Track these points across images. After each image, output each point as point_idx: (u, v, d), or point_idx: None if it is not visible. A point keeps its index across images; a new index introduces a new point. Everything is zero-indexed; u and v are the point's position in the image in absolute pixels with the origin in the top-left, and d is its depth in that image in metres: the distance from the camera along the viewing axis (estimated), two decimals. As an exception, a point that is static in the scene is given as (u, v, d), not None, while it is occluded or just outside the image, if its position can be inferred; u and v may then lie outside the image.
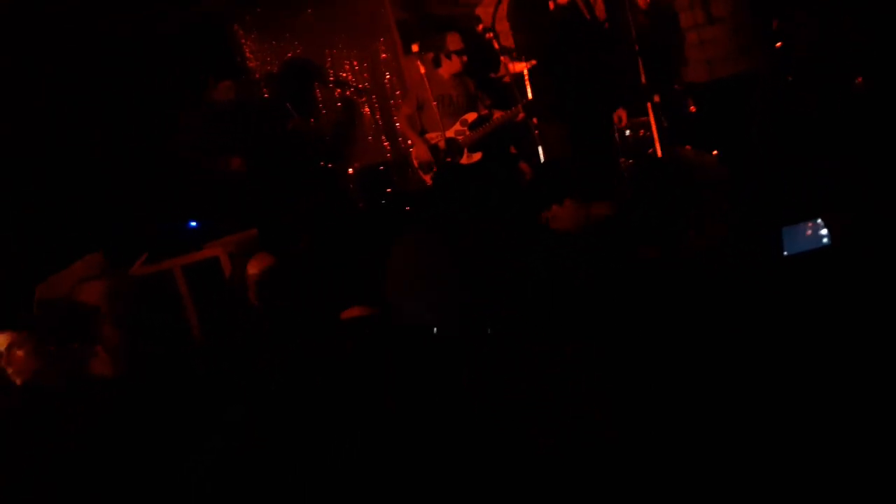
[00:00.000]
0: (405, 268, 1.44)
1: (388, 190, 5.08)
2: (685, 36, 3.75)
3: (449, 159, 4.80)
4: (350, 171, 5.05)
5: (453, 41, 4.76)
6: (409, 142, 5.12)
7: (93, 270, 2.33)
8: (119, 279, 2.60)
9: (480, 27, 4.17)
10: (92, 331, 2.28)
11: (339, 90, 5.68)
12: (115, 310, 2.50)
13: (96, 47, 4.75)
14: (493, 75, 5.35)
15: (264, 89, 5.50)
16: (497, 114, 4.83)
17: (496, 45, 4.11)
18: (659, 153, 3.81)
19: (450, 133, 4.80)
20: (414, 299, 1.38)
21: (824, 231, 2.20)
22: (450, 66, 4.80)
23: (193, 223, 4.70)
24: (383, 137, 5.72)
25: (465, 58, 4.74)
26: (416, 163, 5.00)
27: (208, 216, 4.70)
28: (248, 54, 5.61)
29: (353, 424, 1.69)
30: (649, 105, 3.74)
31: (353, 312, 2.15)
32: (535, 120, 4.09)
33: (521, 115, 4.55)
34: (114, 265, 2.80)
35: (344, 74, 5.69)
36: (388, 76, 5.72)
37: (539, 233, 2.88)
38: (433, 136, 4.93)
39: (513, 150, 5.37)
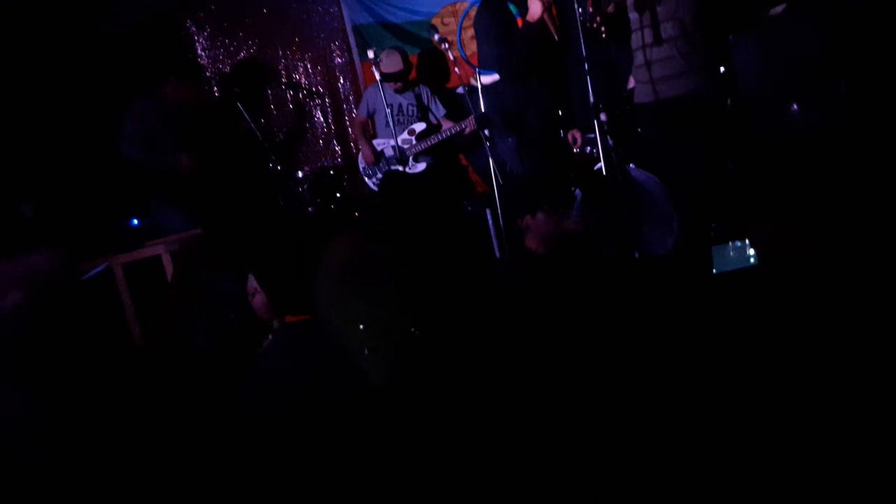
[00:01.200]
0: (334, 274, 1.46)
1: (338, 195, 5.08)
2: (633, 56, 3.85)
3: (395, 167, 4.86)
4: (300, 174, 5.03)
5: (387, 62, 4.77)
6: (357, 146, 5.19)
7: (52, 265, 2.26)
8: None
9: (436, 37, 4.20)
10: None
11: (291, 92, 5.65)
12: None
13: (45, 40, 4.63)
14: (446, 86, 5.43)
15: (215, 88, 5.45)
16: (445, 125, 4.92)
17: (450, 58, 4.15)
18: (604, 171, 3.90)
19: (397, 142, 4.87)
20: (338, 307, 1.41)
21: (751, 251, 2.30)
22: (389, 84, 4.85)
23: (135, 221, 4.62)
24: (335, 142, 5.72)
25: (398, 82, 4.81)
26: (360, 166, 5.08)
27: (153, 214, 4.63)
28: (199, 52, 5.54)
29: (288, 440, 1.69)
30: (596, 123, 3.83)
31: (295, 318, 2.16)
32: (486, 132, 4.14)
33: (469, 129, 4.64)
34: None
35: (297, 77, 5.67)
36: (341, 80, 5.72)
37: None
38: (380, 143, 5.01)
39: (463, 160, 5.45)
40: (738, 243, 2.35)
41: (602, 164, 3.92)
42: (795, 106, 4.08)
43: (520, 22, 3.89)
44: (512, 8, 3.94)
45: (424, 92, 5.10)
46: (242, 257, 3.94)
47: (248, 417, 1.98)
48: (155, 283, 3.83)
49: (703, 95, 3.71)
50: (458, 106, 5.27)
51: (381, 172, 5.05)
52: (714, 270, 2.38)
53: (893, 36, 3.67)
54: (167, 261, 3.81)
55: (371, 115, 5.11)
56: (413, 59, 5.21)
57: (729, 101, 4.03)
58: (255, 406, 2.00)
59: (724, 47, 4.04)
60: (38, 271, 2.14)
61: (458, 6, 5.47)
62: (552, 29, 3.82)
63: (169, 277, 3.79)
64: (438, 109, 5.10)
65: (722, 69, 3.97)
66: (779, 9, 4.04)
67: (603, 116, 3.83)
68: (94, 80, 4.72)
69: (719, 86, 3.89)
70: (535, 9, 3.73)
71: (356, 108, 5.44)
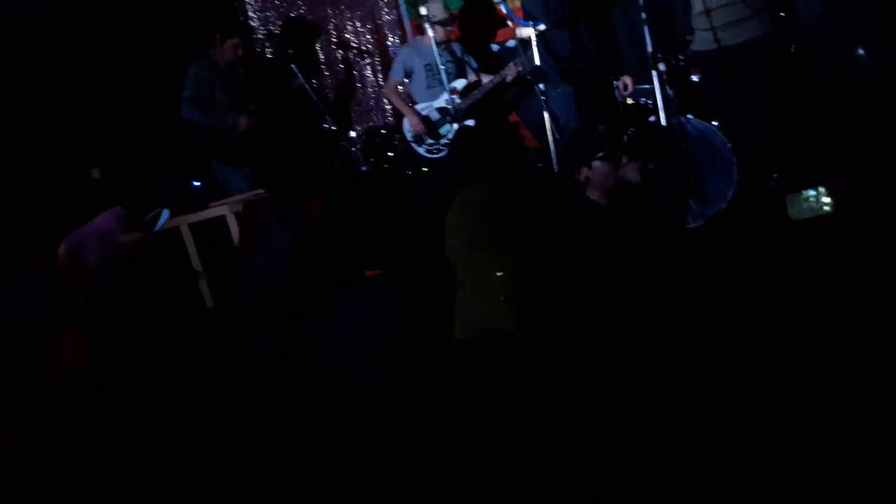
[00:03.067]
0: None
1: (390, 153, 5.11)
2: (690, 4, 3.76)
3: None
4: (353, 133, 5.07)
5: (434, 9, 4.75)
6: (400, 112, 5.12)
7: (118, 225, 2.36)
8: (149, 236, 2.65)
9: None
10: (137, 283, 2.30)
11: (341, 51, 5.67)
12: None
13: (100, 7, 4.71)
14: (491, 41, 5.37)
15: (268, 50, 5.49)
16: (485, 78, 4.87)
17: (502, 11, 4.11)
18: (664, 121, 3.85)
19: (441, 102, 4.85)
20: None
21: (827, 199, 2.27)
22: (433, 35, 4.80)
23: (196, 182, 4.73)
24: (385, 100, 5.72)
25: (449, 27, 4.76)
26: (408, 135, 5.02)
27: (215, 175, 4.74)
28: (251, 14, 5.57)
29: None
30: (654, 74, 3.76)
31: (371, 272, 2.22)
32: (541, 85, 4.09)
33: (510, 77, 4.60)
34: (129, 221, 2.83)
35: (347, 35, 5.67)
36: (390, 37, 5.70)
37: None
38: (423, 107, 4.95)
39: (514, 117, 5.41)
40: (813, 191, 2.32)
41: (658, 115, 3.87)
42: (861, 50, 3.95)
43: None
44: None
45: (458, 48, 5.06)
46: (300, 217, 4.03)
47: (325, 372, 2.05)
48: (220, 241, 3.95)
49: (766, 41, 3.62)
50: (497, 61, 5.21)
51: (430, 138, 4.97)
52: (791, 217, 2.36)
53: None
54: (231, 220, 3.92)
55: (408, 75, 5.03)
56: (454, 14, 5.15)
57: (792, 46, 3.92)
58: (331, 361, 2.06)
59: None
60: (106, 230, 2.24)
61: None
62: None
63: (233, 236, 3.90)
64: (472, 65, 5.05)
65: (783, 14, 3.86)
66: (844, -52, 3.88)
67: (662, 66, 3.77)
68: (152, 46, 4.80)
69: (781, 31, 3.79)
70: None
71: (390, 73, 5.27)
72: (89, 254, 2.23)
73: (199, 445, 1.85)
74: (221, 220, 3.98)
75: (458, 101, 4.88)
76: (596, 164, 3.01)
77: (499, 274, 1.43)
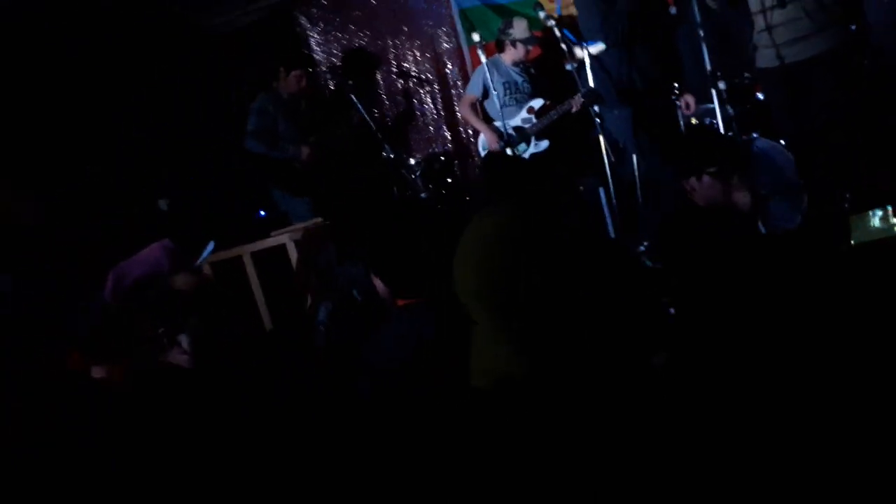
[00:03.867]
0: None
1: (449, 180, 5.13)
2: (753, 20, 3.65)
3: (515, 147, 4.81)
4: (412, 161, 5.12)
5: (519, 28, 4.78)
6: (473, 130, 5.14)
7: (164, 258, 2.44)
8: (200, 269, 2.71)
9: (542, 15, 4.14)
10: (182, 318, 2.35)
11: (401, 81, 5.76)
12: (202, 298, 2.62)
13: (166, 40, 4.93)
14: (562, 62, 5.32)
15: (330, 81, 5.63)
16: (558, 104, 4.84)
17: (558, 33, 4.07)
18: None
19: (516, 121, 4.83)
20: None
21: (894, 219, 2.14)
22: (513, 54, 4.83)
23: (262, 213, 4.87)
24: (444, 127, 5.77)
25: (531, 46, 4.77)
26: (483, 152, 5.03)
27: (278, 205, 4.87)
28: (313, 46, 5.73)
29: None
30: (714, 92, 3.66)
31: (405, 301, 2.19)
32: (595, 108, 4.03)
33: (575, 109, 4.56)
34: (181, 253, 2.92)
35: (406, 65, 5.76)
36: (449, 66, 5.76)
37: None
38: (500, 125, 4.95)
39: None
40: (880, 211, 2.19)
41: (722, 133, 3.76)
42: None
43: None
44: None
45: (533, 69, 5.05)
46: (362, 243, 4.07)
47: (359, 398, 2.05)
48: (281, 270, 4.03)
49: (835, 56, 3.47)
50: (564, 84, 5.16)
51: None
52: (853, 241, 2.23)
53: None
54: (291, 249, 4.00)
55: (485, 93, 5.02)
56: (537, 34, 5.13)
57: (865, 60, 3.74)
58: (366, 388, 2.06)
59: (856, 2, 3.76)
60: (152, 262, 2.30)
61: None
62: None
63: (293, 264, 3.97)
64: (549, 84, 5.03)
65: (853, 27, 3.69)
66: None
67: (721, 84, 3.66)
68: (219, 79, 5.00)
69: (852, 44, 3.62)
70: None
71: (466, 90, 5.37)
72: (129, 285, 2.30)
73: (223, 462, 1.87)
74: (282, 248, 4.06)
75: (534, 120, 4.86)
76: (706, 178, 2.87)
77: (513, 312, 1.35)
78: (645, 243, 3.99)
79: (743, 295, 2.14)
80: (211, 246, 3.64)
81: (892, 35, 3.85)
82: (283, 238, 4.03)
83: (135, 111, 4.76)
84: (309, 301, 3.92)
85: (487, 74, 4.92)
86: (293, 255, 3.98)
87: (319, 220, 4.33)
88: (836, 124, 3.45)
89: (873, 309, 1.81)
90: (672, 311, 2.44)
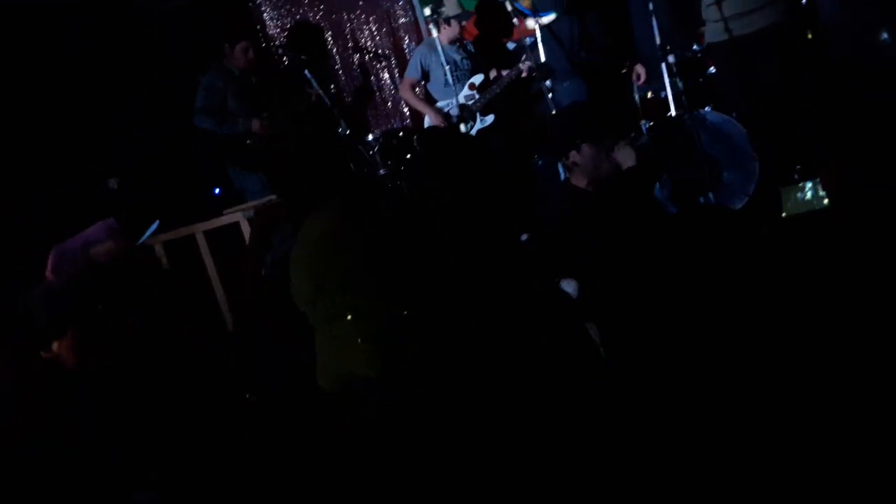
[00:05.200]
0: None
1: (409, 156, 5.10)
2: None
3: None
4: (370, 137, 5.07)
5: (450, 6, 4.76)
6: (418, 110, 5.14)
7: (105, 236, 2.39)
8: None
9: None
10: (123, 295, 2.30)
11: (357, 55, 5.69)
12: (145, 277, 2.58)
13: (114, 14, 4.81)
14: (503, 40, 5.35)
15: (283, 57, 5.54)
16: (502, 73, 4.84)
17: (510, 6, 4.06)
18: (673, 114, 3.77)
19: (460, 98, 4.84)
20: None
21: (823, 192, 2.18)
22: (448, 32, 4.80)
23: (217, 190, 4.80)
24: (403, 102, 5.72)
25: (469, 22, 4.75)
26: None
27: (232, 182, 4.80)
28: (266, 21, 5.63)
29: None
30: (663, 66, 3.69)
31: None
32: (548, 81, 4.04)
33: (526, 72, 4.56)
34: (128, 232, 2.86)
35: (363, 39, 5.69)
36: (406, 39, 5.70)
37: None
38: (444, 104, 4.96)
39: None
40: (810, 184, 2.22)
41: (672, 108, 3.79)
42: (885, 34, 3.81)
43: None
44: None
45: (472, 46, 5.07)
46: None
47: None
48: (235, 248, 3.99)
49: (781, 29, 3.51)
50: (512, 57, 5.18)
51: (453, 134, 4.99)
52: (784, 213, 2.26)
53: None
54: (245, 227, 3.95)
55: (425, 75, 5.05)
56: (456, 12, 5.15)
57: (809, 32, 3.79)
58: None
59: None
60: (94, 243, 2.26)
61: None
62: None
63: (246, 242, 3.93)
64: (488, 60, 5.05)
65: (803, 1, 3.74)
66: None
67: (671, 58, 3.69)
68: (167, 55, 4.89)
69: (799, 17, 3.67)
70: None
71: (406, 73, 5.26)
72: (68, 263, 2.26)
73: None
74: (236, 226, 4.01)
75: (477, 96, 4.87)
76: (584, 147, 2.75)
77: (349, 317, 1.31)
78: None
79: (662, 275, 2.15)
80: (154, 225, 3.59)
81: (838, 9, 3.90)
82: (236, 216, 3.97)
83: (84, 89, 4.64)
84: (260, 276, 3.89)
85: (424, 56, 4.93)
86: (247, 233, 3.94)
87: (274, 197, 4.27)
88: (781, 97, 3.50)
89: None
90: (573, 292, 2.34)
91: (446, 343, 1.31)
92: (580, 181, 2.76)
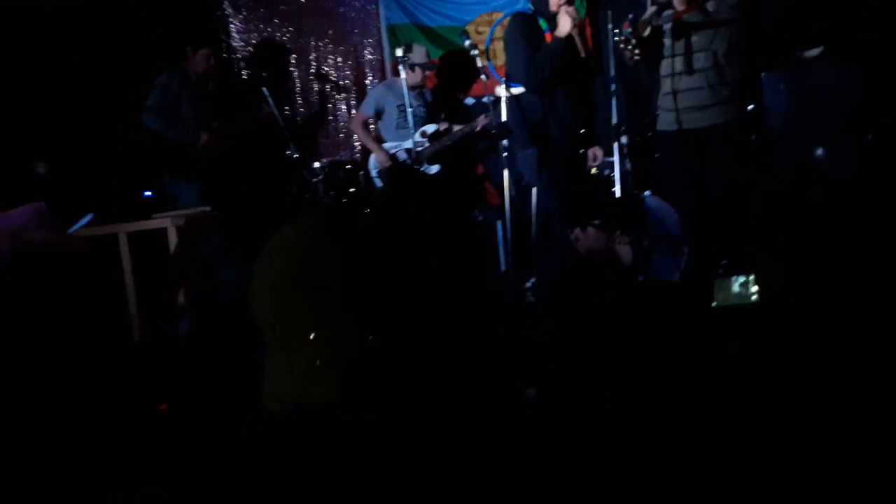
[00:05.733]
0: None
1: (352, 189, 5.07)
2: (661, 83, 3.81)
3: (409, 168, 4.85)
4: (317, 164, 5.03)
5: (418, 53, 4.85)
6: (366, 147, 5.17)
7: (33, 221, 2.25)
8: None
9: (468, 44, 4.18)
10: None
11: (318, 83, 5.67)
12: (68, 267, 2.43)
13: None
14: (467, 94, 5.46)
15: (244, 70, 5.47)
16: (455, 127, 4.93)
17: (478, 65, 4.12)
18: (619, 194, 3.86)
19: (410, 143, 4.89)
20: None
21: (754, 288, 2.25)
22: (411, 78, 4.85)
23: (148, 192, 4.64)
24: (356, 136, 5.71)
25: (432, 72, 4.84)
26: (373, 171, 5.06)
27: (167, 187, 4.65)
28: (233, 33, 5.56)
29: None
30: (616, 146, 3.78)
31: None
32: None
33: (480, 128, 4.65)
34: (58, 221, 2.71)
35: (326, 68, 5.68)
36: (370, 76, 5.72)
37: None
38: (391, 146, 5.00)
39: (480, 169, 5.42)
40: (742, 278, 2.30)
41: (618, 188, 3.89)
42: (820, 150, 4.02)
43: (548, 37, 3.86)
44: (542, 23, 3.89)
45: (432, 96, 5.15)
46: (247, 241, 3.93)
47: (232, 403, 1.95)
48: (158, 255, 3.83)
49: (728, 129, 3.66)
50: (469, 114, 5.29)
51: (394, 176, 5.01)
52: (714, 303, 2.33)
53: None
54: (172, 234, 3.81)
55: (378, 114, 5.09)
56: (434, 62, 5.24)
57: (754, 137, 3.97)
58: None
59: (755, 84, 3.99)
60: (19, 226, 2.13)
61: (493, 15, 5.47)
62: (580, 46, 3.80)
63: (171, 251, 3.78)
64: (443, 112, 5.15)
65: (750, 106, 3.92)
66: (814, 52, 3.98)
67: (624, 139, 3.79)
68: (126, 46, 4.76)
69: (746, 122, 3.84)
70: (565, 24, 3.71)
71: (360, 107, 5.33)
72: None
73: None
74: (163, 232, 3.87)
75: (427, 144, 4.92)
76: (590, 229, 3.02)
77: (311, 337, 1.28)
78: (532, 280, 4.06)
79: (612, 339, 2.19)
80: (88, 217, 3.42)
81: (783, 118, 4.10)
82: (165, 222, 3.83)
83: (26, 68, 4.46)
84: (180, 297, 3.74)
85: (382, 96, 4.99)
86: (173, 241, 3.80)
87: (208, 209, 4.15)
88: (721, 192, 3.63)
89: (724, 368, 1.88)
90: (544, 346, 2.47)
91: (405, 369, 1.28)
92: (582, 251, 2.93)
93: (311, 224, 1.37)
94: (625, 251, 3.03)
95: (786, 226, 3.07)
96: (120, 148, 4.68)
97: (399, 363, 1.30)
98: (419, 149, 4.91)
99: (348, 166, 5.18)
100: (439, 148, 4.90)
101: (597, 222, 3.00)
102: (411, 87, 4.90)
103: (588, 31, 5.31)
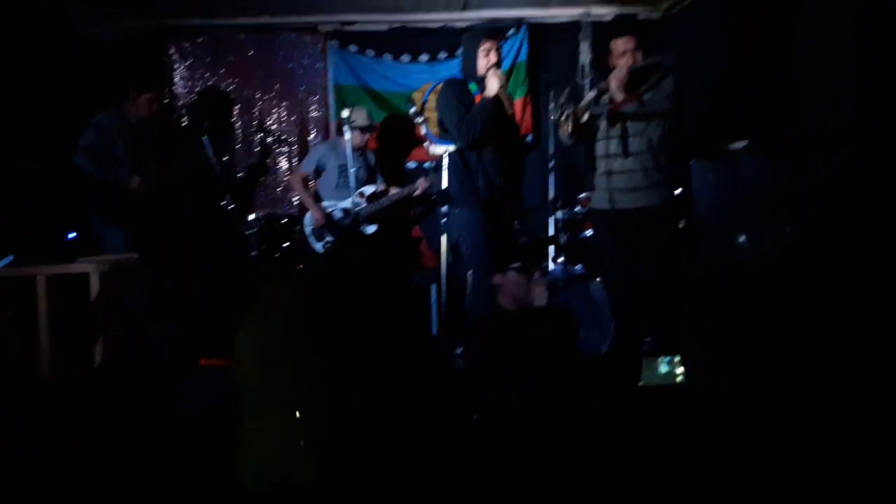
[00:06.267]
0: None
1: (285, 244, 5.02)
2: (596, 163, 3.95)
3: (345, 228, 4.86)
4: (252, 216, 4.96)
5: (359, 116, 4.93)
6: (303, 203, 5.17)
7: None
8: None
9: (412, 111, 4.26)
10: None
11: (260, 135, 5.65)
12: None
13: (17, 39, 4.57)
14: (406, 158, 5.55)
15: (185, 118, 5.41)
16: (394, 190, 5.00)
17: (420, 132, 4.20)
18: (552, 266, 3.94)
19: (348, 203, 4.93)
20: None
21: (680, 369, 2.30)
22: (353, 139, 4.92)
23: (73, 234, 4.47)
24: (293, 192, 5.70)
25: (374, 134, 4.94)
26: (307, 228, 5.06)
27: (94, 231, 4.50)
28: (177, 80, 5.52)
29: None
30: (551, 220, 3.87)
31: (210, 361, 2.06)
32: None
33: (418, 192, 4.74)
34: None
35: (269, 122, 5.67)
36: (313, 133, 5.74)
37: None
38: (328, 205, 5.02)
39: (418, 231, 5.46)
40: (668, 359, 2.36)
41: (551, 258, 3.97)
42: (743, 237, 4.21)
43: (478, 98, 4.03)
44: (472, 86, 4.10)
45: (373, 158, 5.22)
46: (175, 289, 3.82)
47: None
48: (78, 302, 3.67)
49: (658, 212, 3.80)
50: (408, 178, 5.39)
51: (329, 235, 5.02)
52: (641, 382, 2.37)
53: (843, 189, 3.84)
54: (95, 281, 3.67)
55: (318, 172, 5.12)
56: (376, 125, 5.33)
57: (682, 222, 4.13)
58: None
59: (685, 170, 4.18)
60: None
61: (439, 86, 5.61)
62: (507, 105, 3.99)
63: (93, 299, 3.64)
64: (383, 175, 5.23)
65: (679, 191, 4.09)
66: (740, 144, 4.21)
67: (559, 214, 3.89)
68: (64, 83, 4.66)
69: (675, 206, 3.99)
70: (492, 85, 3.92)
71: (301, 164, 5.36)
72: None
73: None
74: (85, 278, 3.72)
75: (364, 205, 4.96)
76: (510, 273, 3.12)
77: (298, 414, 1.24)
78: (461, 347, 4.05)
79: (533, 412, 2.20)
80: (9, 259, 3.27)
81: (709, 205, 4.29)
82: (88, 266, 3.70)
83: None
84: (101, 346, 3.59)
85: (323, 154, 5.03)
86: (95, 288, 3.65)
87: (135, 256, 4.03)
88: (648, 273, 3.74)
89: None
90: (476, 417, 2.46)
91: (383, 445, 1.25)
92: (503, 300, 2.99)
93: (302, 288, 1.35)
94: (540, 293, 3.14)
95: (712, 311, 3.18)
96: (47, 186, 4.52)
97: (368, 434, 1.28)
98: (357, 208, 4.94)
99: (284, 220, 5.14)
100: (377, 209, 4.95)
101: (516, 265, 3.14)
102: (354, 148, 4.96)
103: (529, 110, 5.52)
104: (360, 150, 5.08)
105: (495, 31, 4.14)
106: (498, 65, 4.02)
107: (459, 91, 4.08)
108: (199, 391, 1.91)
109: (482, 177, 4.02)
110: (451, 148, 4.02)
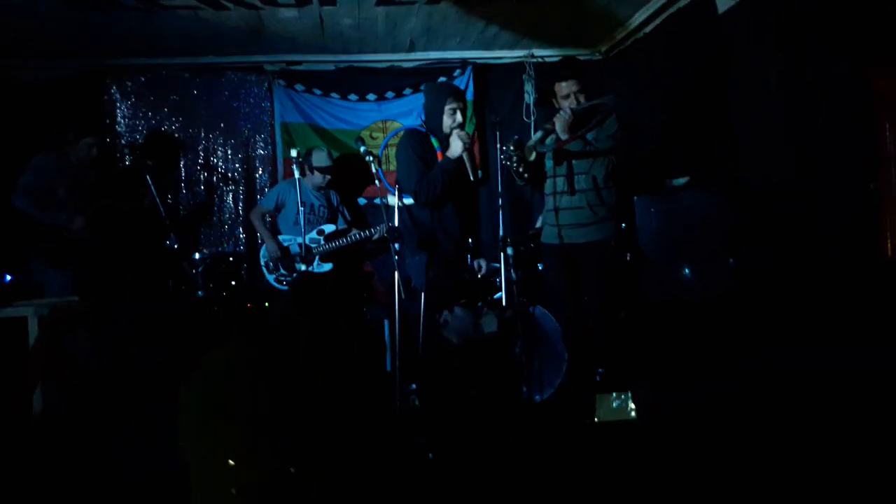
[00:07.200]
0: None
1: (233, 282, 4.93)
2: (545, 200, 4.04)
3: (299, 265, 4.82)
4: (197, 255, 4.87)
5: (318, 158, 4.92)
6: (259, 238, 5.13)
7: None
8: None
9: (363, 150, 4.26)
10: None
11: (206, 174, 5.58)
12: None
13: None
14: (359, 195, 5.55)
15: (127, 157, 5.30)
16: (353, 230, 4.99)
17: (372, 171, 4.19)
18: (504, 302, 3.97)
19: (305, 240, 4.89)
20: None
21: (632, 404, 2.35)
22: (311, 179, 4.94)
23: (9, 277, 4.30)
24: (241, 228, 5.62)
25: (327, 176, 4.94)
26: (262, 259, 5.00)
27: (33, 274, 4.33)
28: (119, 118, 5.42)
29: None
30: (502, 256, 3.91)
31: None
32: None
33: (378, 237, 4.74)
34: None
35: (214, 160, 5.61)
36: (260, 171, 5.69)
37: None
38: (286, 239, 4.99)
39: (368, 268, 5.45)
40: (621, 395, 2.40)
41: (503, 293, 3.99)
42: (687, 270, 4.33)
43: (440, 155, 3.99)
44: (434, 141, 4.01)
45: (335, 197, 5.20)
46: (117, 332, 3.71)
47: None
48: (13, 348, 3.52)
49: (605, 247, 3.90)
50: (364, 216, 5.39)
51: (283, 269, 4.98)
52: (596, 418, 2.40)
53: (784, 222, 4.01)
54: (33, 325, 3.53)
55: (279, 209, 5.08)
56: (324, 165, 5.33)
57: (628, 255, 4.24)
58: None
59: (629, 206, 4.29)
60: None
61: (387, 124, 5.65)
62: (469, 167, 3.94)
63: (31, 344, 3.49)
64: (346, 215, 5.21)
65: (624, 225, 4.20)
66: (681, 180, 4.36)
67: (510, 250, 3.93)
68: (5, 125, 4.53)
69: (620, 240, 4.10)
70: (456, 147, 3.84)
71: (261, 199, 5.36)
72: None
73: None
74: (22, 322, 3.57)
75: (322, 242, 4.93)
76: (456, 309, 3.11)
77: (231, 462, 1.22)
78: (415, 383, 4.03)
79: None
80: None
81: (653, 239, 4.41)
82: (26, 310, 3.55)
83: None
84: (41, 393, 3.44)
85: (284, 191, 5.02)
86: (34, 332, 3.51)
87: (76, 299, 3.89)
88: (598, 305, 3.82)
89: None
90: (431, 455, 2.45)
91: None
92: (451, 335, 2.98)
93: (249, 344, 1.32)
94: (489, 323, 3.15)
95: (656, 344, 3.26)
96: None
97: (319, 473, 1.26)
98: (314, 245, 4.91)
99: (231, 259, 5.06)
100: (333, 248, 4.92)
101: (462, 301, 3.15)
102: (314, 187, 4.96)
103: (476, 147, 5.59)
104: (322, 190, 5.07)
105: (458, 92, 4.06)
106: (462, 126, 3.94)
107: (420, 145, 3.95)
108: (144, 449, 1.85)
109: (440, 231, 3.99)
110: (409, 202, 4.01)
